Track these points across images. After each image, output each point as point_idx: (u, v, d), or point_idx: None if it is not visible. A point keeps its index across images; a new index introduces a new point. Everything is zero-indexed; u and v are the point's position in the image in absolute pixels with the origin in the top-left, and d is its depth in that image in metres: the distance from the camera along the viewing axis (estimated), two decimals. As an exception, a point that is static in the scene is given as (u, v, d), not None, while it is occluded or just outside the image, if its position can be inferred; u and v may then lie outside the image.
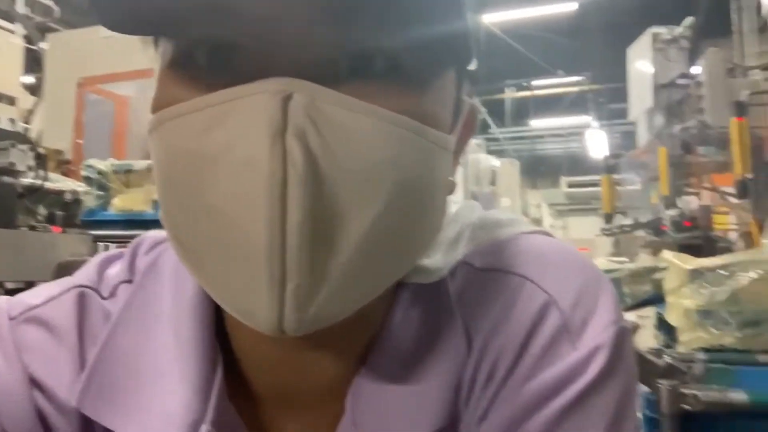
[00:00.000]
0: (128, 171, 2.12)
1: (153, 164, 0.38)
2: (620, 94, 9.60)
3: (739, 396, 1.06)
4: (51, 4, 4.77)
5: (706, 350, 1.38)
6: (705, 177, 4.02)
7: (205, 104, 0.34)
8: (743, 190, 2.79)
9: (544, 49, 10.02)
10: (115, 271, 0.49)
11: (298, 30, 0.33)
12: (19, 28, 4.08)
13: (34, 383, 0.42)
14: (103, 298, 0.47)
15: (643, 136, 4.92)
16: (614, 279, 2.06)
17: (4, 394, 0.41)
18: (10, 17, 4.13)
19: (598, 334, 0.40)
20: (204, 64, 0.35)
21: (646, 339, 1.88)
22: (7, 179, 1.43)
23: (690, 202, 4.08)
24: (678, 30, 4.53)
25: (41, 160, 1.55)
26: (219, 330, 0.44)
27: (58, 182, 2.17)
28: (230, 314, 0.42)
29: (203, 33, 0.35)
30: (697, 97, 3.66)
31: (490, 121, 11.62)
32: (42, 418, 0.42)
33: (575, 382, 0.39)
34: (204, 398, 0.41)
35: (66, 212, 2.10)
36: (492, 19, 8.43)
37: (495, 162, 7.87)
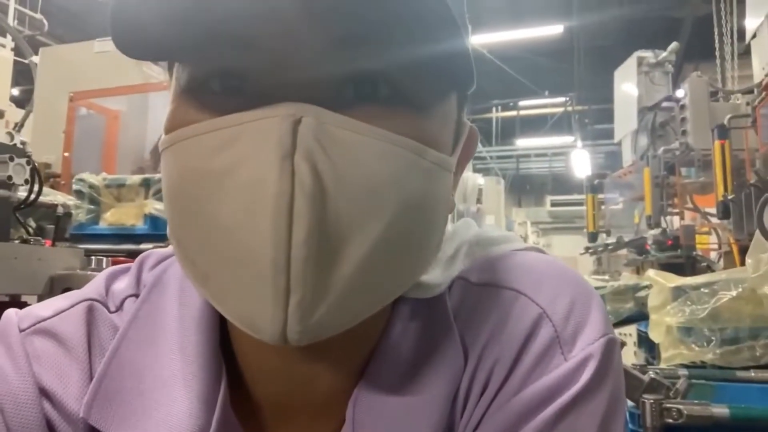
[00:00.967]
0: (121, 185, 2.12)
1: (163, 181, 0.39)
2: (604, 115, 9.72)
3: (721, 411, 1.08)
4: (41, 18, 4.76)
5: (686, 366, 1.40)
6: (686, 197, 4.08)
7: (217, 126, 0.35)
8: (725, 210, 2.84)
9: (531, 71, 10.14)
10: (122, 285, 0.50)
11: (306, 59, 0.35)
12: (9, 42, 4.08)
13: (44, 393, 0.43)
14: (111, 312, 0.48)
15: (628, 157, 4.98)
16: (598, 296, 2.07)
17: (14, 403, 0.42)
18: (1, 31, 4.13)
19: (588, 345, 0.42)
20: (217, 89, 0.37)
21: (627, 356, 1.90)
22: (3, 192, 1.43)
23: (672, 222, 4.14)
24: (663, 54, 4.61)
25: (36, 174, 1.55)
26: (223, 342, 0.45)
27: (48, 196, 2.17)
28: (234, 326, 0.43)
29: (218, 62, 0.37)
30: (680, 120, 3.72)
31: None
32: (51, 428, 0.43)
33: (566, 391, 0.40)
34: (208, 409, 0.41)
35: (56, 226, 2.09)
36: (480, 40, 8.53)
37: (480, 180, 7.91)
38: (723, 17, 5.39)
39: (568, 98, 11.73)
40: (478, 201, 7.28)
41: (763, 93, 2.90)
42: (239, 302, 0.35)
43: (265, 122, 0.34)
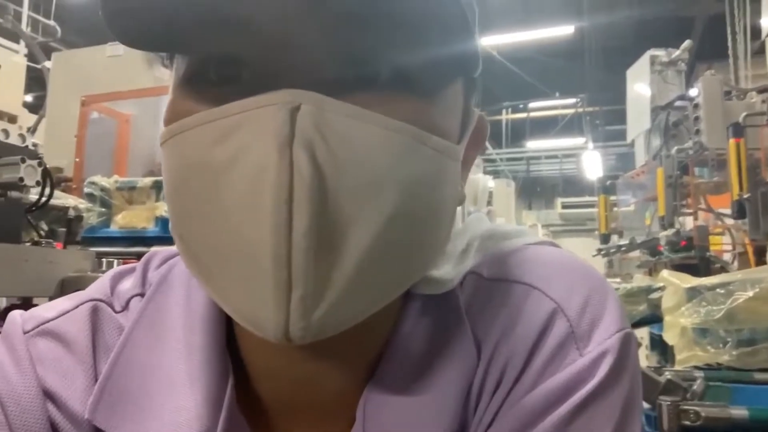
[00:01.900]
0: (132, 188, 2.13)
1: (163, 175, 0.38)
2: (615, 116, 9.69)
3: (740, 412, 1.07)
4: (54, 24, 4.81)
5: (701, 368, 1.38)
6: (700, 198, 4.04)
7: (215, 116, 0.34)
8: (741, 210, 2.81)
9: (541, 72, 10.12)
10: (128, 285, 0.49)
11: (305, 44, 0.34)
12: (22, 48, 4.13)
13: (48, 395, 0.42)
14: (116, 312, 0.47)
15: (641, 157, 4.95)
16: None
17: (18, 405, 0.41)
18: (14, 37, 4.17)
19: (604, 339, 0.40)
20: (215, 78, 0.36)
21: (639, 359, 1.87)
22: (15, 194, 1.44)
23: (685, 223, 4.10)
24: (676, 53, 4.58)
25: (48, 176, 1.55)
26: (229, 341, 0.44)
27: (59, 199, 2.18)
28: (240, 325, 0.42)
29: (213, 49, 0.36)
30: (694, 119, 3.69)
31: (486, 142, 11.67)
32: (55, 430, 0.42)
33: (582, 387, 0.39)
34: (215, 409, 0.41)
35: (68, 228, 2.11)
36: (490, 41, 8.52)
37: (490, 182, 7.89)
38: (736, 16, 5.35)
39: (578, 99, 11.70)
40: (489, 203, 7.26)
41: (778, 91, 2.87)
42: (241, 298, 0.35)
43: (262, 111, 0.33)
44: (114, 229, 2.14)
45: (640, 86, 4.86)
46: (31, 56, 4.04)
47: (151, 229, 2.07)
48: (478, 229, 0.50)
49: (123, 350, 0.44)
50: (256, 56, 0.35)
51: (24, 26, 4.46)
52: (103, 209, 2.17)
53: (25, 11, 4.75)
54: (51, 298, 1.60)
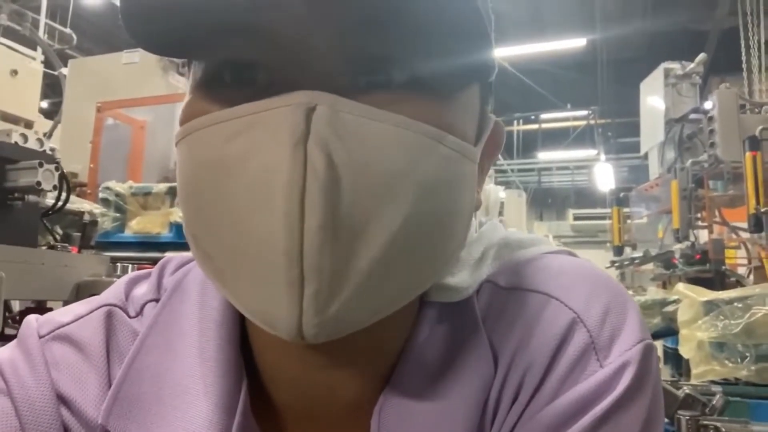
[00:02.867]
0: (146, 194, 2.13)
1: (178, 176, 0.38)
2: (628, 128, 9.67)
3: (762, 429, 1.05)
4: (70, 32, 4.87)
5: (718, 383, 1.37)
6: (715, 211, 4.01)
7: (229, 116, 0.35)
8: (758, 223, 2.78)
9: (553, 83, 10.13)
10: (143, 290, 0.49)
11: (322, 49, 0.34)
12: (39, 55, 4.18)
13: (62, 399, 0.43)
14: (131, 317, 0.47)
15: (655, 170, 4.92)
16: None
17: (32, 409, 0.41)
18: (31, 43, 4.22)
19: (625, 351, 0.39)
20: (230, 81, 0.36)
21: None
22: (32, 198, 1.45)
23: (699, 236, 4.07)
24: (690, 66, 4.56)
25: (65, 181, 1.56)
26: (243, 346, 0.44)
27: (75, 203, 2.19)
28: (254, 331, 0.43)
29: (231, 54, 0.36)
30: (708, 132, 3.67)
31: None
32: None
33: (602, 399, 0.38)
34: (228, 415, 0.41)
35: (82, 233, 2.12)
36: (502, 53, 8.53)
37: (501, 193, 7.87)
38: (750, 29, 5.34)
39: (590, 111, 11.68)
40: (500, 214, 7.24)
41: (795, 105, 2.85)
42: (254, 296, 0.34)
43: (278, 111, 0.33)
44: (128, 234, 2.15)
45: (653, 99, 4.84)
46: (47, 63, 4.09)
47: (165, 234, 2.07)
48: (494, 237, 0.49)
49: (137, 356, 0.44)
50: (273, 60, 0.35)
51: (41, 33, 4.51)
52: (118, 214, 2.18)
53: (42, 19, 4.81)
54: (66, 302, 1.61)
